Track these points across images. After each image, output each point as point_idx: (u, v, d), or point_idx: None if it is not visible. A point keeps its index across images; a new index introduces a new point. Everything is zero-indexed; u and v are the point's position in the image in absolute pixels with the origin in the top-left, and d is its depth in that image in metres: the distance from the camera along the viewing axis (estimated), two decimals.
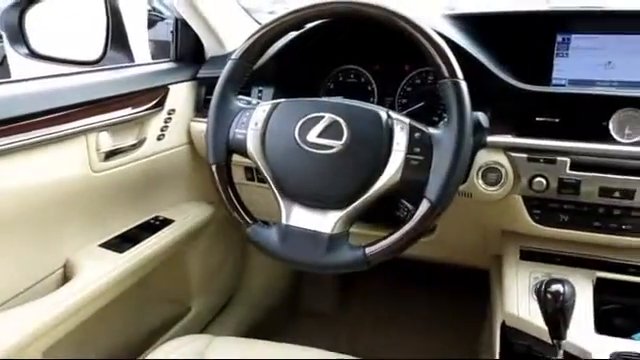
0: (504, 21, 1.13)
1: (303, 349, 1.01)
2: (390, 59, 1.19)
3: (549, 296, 0.81)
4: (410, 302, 1.70)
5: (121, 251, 1.13)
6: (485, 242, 1.18)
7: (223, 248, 1.55)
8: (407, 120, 0.85)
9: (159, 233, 1.22)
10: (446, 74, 0.83)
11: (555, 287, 0.81)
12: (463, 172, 0.82)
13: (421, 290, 1.70)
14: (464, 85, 0.83)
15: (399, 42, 0.88)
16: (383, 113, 0.86)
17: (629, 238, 0.95)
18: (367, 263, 0.85)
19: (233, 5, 1.32)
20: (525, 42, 1.10)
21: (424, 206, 0.82)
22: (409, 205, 0.98)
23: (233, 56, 0.97)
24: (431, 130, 0.84)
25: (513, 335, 0.97)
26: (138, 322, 1.32)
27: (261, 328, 1.63)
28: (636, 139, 0.93)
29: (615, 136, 0.94)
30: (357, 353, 1.00)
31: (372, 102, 1.22)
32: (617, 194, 0.92)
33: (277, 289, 1.78)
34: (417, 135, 0.84)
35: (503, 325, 0.99)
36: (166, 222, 1.26)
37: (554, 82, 1.11)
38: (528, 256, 1.05)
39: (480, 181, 1.00)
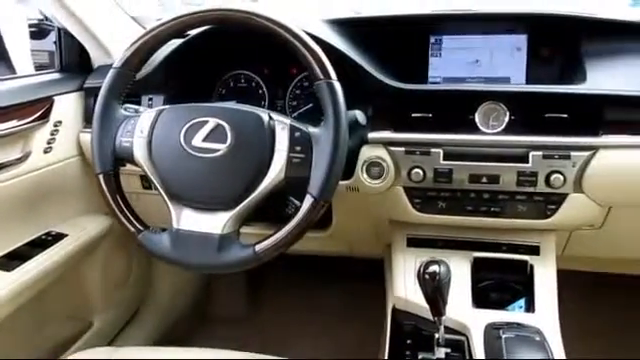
0: (381, 25, 1.20)
1: (208, 351, 1.02)
2: (278, 63, 1.23)
3: (427, 277, 0.87)
4: (320, 298, 1.75)
5: (9, 269, 1.08)
6: (377, 233, 1.25)
7: (125, 259, 1.52)
8: (288, 121, 0.90)
9: (51, 248, 1.18)
10: (320, 76, 0.87)
11: (432, 268, 0.88)
12: (342, 167, 0.87)
13: (329, 285, 1.76)
14: (338, 86, 0.88)
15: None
16: (265, 115, 0.90)
17: (498, 219, 1.05)
18: (258, 260, 0.88)
19: (119, 13, 1.30)
20: (402, 44, 1.18)
21: (308, 201, 0.86)
22: (296, 202, 1.02)
23: (114, 65, 0.97)
24: (311, 129, 0.89)
25: (402, 317, 1.04)
26: (36, 341, 1.27)
27: (171, 337, 1.61)
28: (499, 129, 1.02)
29: (481, 127, 1.03)
30: (268, 354, 1.03)
31: (263, 105, 1.25)
32: (485, 180, 1.02)
33: (186, 296, 1.77)
34: (297, 134, 0.88)
35: (394, 308, 1.06)
36: (59, 237, 1.22)
37: (430, 80, 1.20)
38: (414, 243, 1.13)
39: (365, 175, 1.06)
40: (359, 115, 0.99)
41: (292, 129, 0.89)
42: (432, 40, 1.20)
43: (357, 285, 1.66)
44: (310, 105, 1.22)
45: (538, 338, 0.89)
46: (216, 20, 0.93)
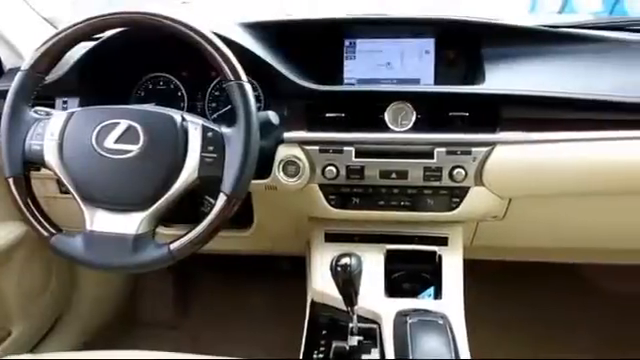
0: (297, 28, 1.24)
1: (127, 352, 1.02)
2: (196, 65, 1.24)
3: (339, 269, 0.92)
4: (248, 297, 1.77)
5: None
6: (298, 230, 1.28)
7: (43, 266, 1.48)
8: (200, 121, 0.92)
9: None
10: (231, 77, 0.90)
11: (343, 261, 0.92)
12: (254, 165, 0.90)
13: (257, 284, 1.78)
14: (248, 87, 0.91)
15: None
16: (177, 116, 0.92)
17: (408, 213, 1.11)
18: (173, 258, 0.90)
19: (30, 14, 1.27)
20: (318, 47, 1.22)
21: (221, 199, 0.89)
22: (212, 200, 1.04)
23: (22, 67, 0.95)
24: (223, 129, 0.91)
25: (320, 309, 1.08)
26: None
27: (96, 344, 1.58)
28: (407, 128, 1.08)
29: (390, 126, 1.09)
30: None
31: (183, 108, 1.26)
32: (394, 175, 1.08)
33: (112, 302, 1.74)
34: (210, 135, 0.91)
35: (312, 302, 1.10)
36: None
37: (346, 82, 1.24)
38: (332, 238, 1.18)
39: (281, 174, 1.09)
40: (272, 115, 1.02)
41: (205, 129, 0.91)
42: (346, 43, 1.24)
43: (284, 282, 1.69)
44: (229, 107, 1.24)
45: (441, 322, 0.95)
46: (125, 23, 0.94)
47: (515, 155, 1.06)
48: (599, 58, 1.19)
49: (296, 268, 1.57)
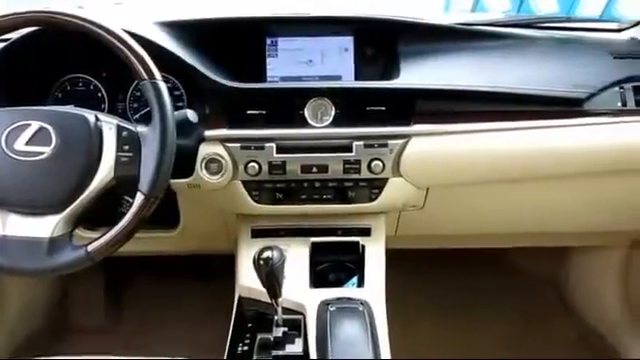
0: (217, 27, 1.24)
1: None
2: (116, 65, 1.22)
3: (261, 262, 0.94)
4: (181, 299, 1.76)
5: None
6: (226, 228, 1.29)
7: None
8: (115, 121, 0.91)
9: None
10: (144, 76, 0.90)
11: (265, 254, 0.94)
12: (171, 164, 0.91)
13: (190, 285, 1.77)
14: (163, 85, 0.91)
15: None
16: (91, 116, 0.91)
17: (330, 206, 1.15)
18: (90, 259, 0.89)
19: None
20: (239, 45, 1.23)
21: (138, 199, 0.89)
22: (131, 200, 1.03)
23: None
24: (139, 128, 0.91)
25: (246, 304, 1.10)
26: None
27: (25, 352, 1.53)
28: (327, 123, 1.12)
29: (310, 121, 1.12)
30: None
31: (103, 109, 1.24)
32: (315, 170, 1.11)
33: (40, 309, 1.69)
34: (125, 134, 0.90)
35: (239, 298, 1.11)
36: None
37: (269, 79, 1.26)
38: (258, 234, 1.19)
39: (204, 172, 1.10)
40: (190, 114, 1.03)
41: (119, 129, 0.91)
42: (268, 42, 1.26)
43: (218, 281, 1.69)
44: None
45: (361, 308, 0.99)
46: (31, 22, 0.92)
47: (429, 146, 1.11)
48: (508, 54, 1.26)
49: (229, 266, 1.58)
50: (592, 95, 1.15)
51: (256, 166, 1.09)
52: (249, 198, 1.13)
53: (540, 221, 1.36)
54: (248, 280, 1.10)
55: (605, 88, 1.16)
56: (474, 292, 1.77)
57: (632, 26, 1.36)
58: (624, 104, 1.16)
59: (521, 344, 1.61)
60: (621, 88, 1.17)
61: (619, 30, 1.38)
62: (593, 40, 1.33)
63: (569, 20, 1.54)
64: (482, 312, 1.71)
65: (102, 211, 1.00)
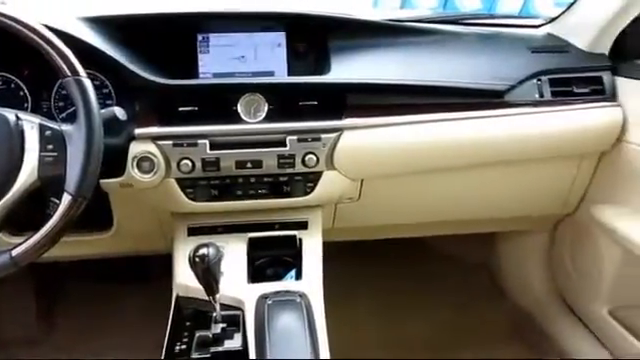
0: (146, 23, 1.22)
1: None
2: (39, 63, 1.17)
3: (197, 260, 0.93)
4: (119, 304, 1.71)
5: None
6: (162, 227, 1.27)
7: None
8: (37, 120, 0.88)
9: None
10: (67, 73, 0.88)
11: (201, 251, 0.93)
12: (99, 163, 0.88)
13: (130, 287, 1.73)
14: (87, 82, 0.89)
15: None
16: (11, 116, 0.87)
17: (266, 200, 1.15)
18: (15, 264, 0.86)
19: None
20: (170, 42, 1.21)
21: (65, 199, 0.86)
22: (58, 201, 1.00)
23: None
24: (63, 127, 0.89)
25: (184, 303, 1.08)
26: None
27: None
28: (260, 118, 1.12)
29: (244, 117, 1.12)
30: None
31: (26, 108, 1.18)
32: (249, 165, 1.11)
33: None
34: (48, 133, 0.87)
35: (177, 297, 1.10)
36: None
37: (201, 76, 1.24)
38: (194, 232, 1.18)
39: (136, 171, 1.08)
40: (118, 111, 1.01)
41: (42, 128, 0.88)
42: (199, 38, 1.25)
43: (156, 283, 1.66)
44: None
45: (299, 300, 1.00)
46: None
47: (361, 139, 1.14)
48: (435, 49, 1.31)
49: (167, 267, 1.55)
50: (512, 87, 1.21)
51: (189, 163, 1.08)
52: (184, 196, 1.12)
53: (469, 208, 1.42)
54: (185, 279, 1.09)
55: (524, 80, 1.22)
56: (410, 280, 1.82)
57: (548, 22, 1.44)
58: (541, 95, 1.23)
59: (456, 328, 1.68)
60: (538, 80, 1.24)
61: (537, 26, 1.46)
62: (513, 35, 1.40)
63: (491, 17, 1.62)
64: (418, 300, 1.77)
65: (28, 214, 0.96)
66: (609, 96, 1.27)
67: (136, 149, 1.07)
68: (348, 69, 1.19)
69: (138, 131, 1.07)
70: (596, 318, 1.45)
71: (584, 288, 1.48)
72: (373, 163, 1.19)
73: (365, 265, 1.78)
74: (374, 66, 1.23)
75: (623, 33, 1.28)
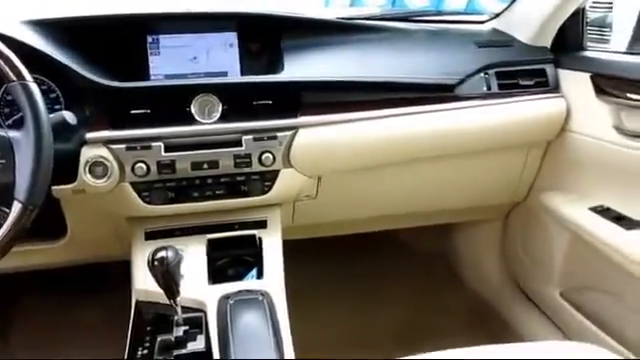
0: (93, 25, 1.19)
1: None
2: None
3: (156, 263, 0.92)
4: (78, 312, 1.67)
5: None
6: (118, 233, 1.25)
7: None
8: None
9: None
10: (12, 77, 0.85)
11: (160, 254, 0.92)
12: (49, 169, 0.86)
13: (88, 296, 1.68)
14: (34, 87, 0.87)
15: None
16: None
17: (224, 201, 1.15)
18: None
19: None
20: (119, 44, 1.19)
21: (16, 208, 0.84)
22: (7, 210, 0.97)
23: None
24: (10, 133, 0.86)
25: (144, 308, 1.07)
26: None
27: None
28: (215, 119, 1.12)
29: (198, 118, 1.11)
30: None
31: None
32: (206, 166, 1.10)
33: None
34: None
35: (136, 302, 1.08)
36: None
37: (153, 78, 1.23)
38: (152, 236, 1.16)
39: (88, 176, 1.06)
40: (68, 116, 0.99)
41: None
42: (149, 40, 1.23)
43: (115, 291, 1.63)
44: None
45: (261, 298, 1.01)
46: None
47: (317, 137, 1.15)
48: (386, 46, 1.33)
49: (126, 274, 1.52)
50: (461, 81, 1.25)
51: (144, 167, 1.07)
52: (139, 200, 1.10)
53: (425, 201, 1.45)
54: (145, 283, 1.07)
55: (472, 74, 1.27)
56: (371, 274, 1.85)
57: (493, 18, 1.49)
58: (489, 88, 1.28)
59: (418, 319, 1.71)
60: (486, 74, 1.29)
61: (482, 22, 1.51)
62: (460, 31, 1.45)
63: (439, 13, 1.66)
64: (380, 293, 1.80)
65: None
66: (552, 88, 1.33)
67: (88, 154, 1.05)
68: (301, 67, 1.20)
69: (89, 135, 1.05)
70: (549, 301, 1.50)
71: (536, 273, 1.54)
72: (329, 160, 1.20)
73: (326, 261, 1.80)
74: (327, 64, 1.25)
75: (563, 27, 1.34)
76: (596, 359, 0.88)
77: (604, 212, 1.25)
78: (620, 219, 1.20)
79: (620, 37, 1.48)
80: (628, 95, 1.16)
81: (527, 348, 0.94)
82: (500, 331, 1.67)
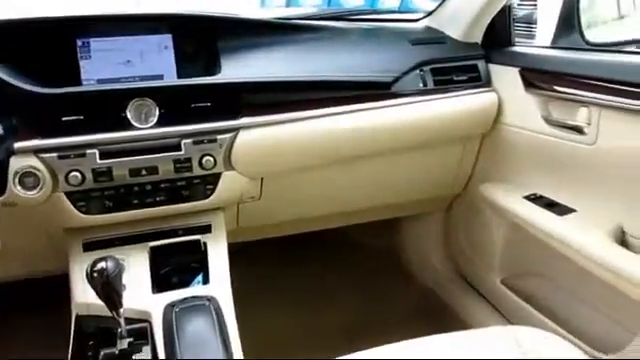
0: (18, 29, 1.14)
1: None
2: None
3: (95, 275, 0.89)
4: (11, 333, 1.58)
5: None
6: (55, 246, 1.20)
7: None
8: None
9: None
10: None
11: (99, 265, 0.89)
12: None
13: (21, 315, 1.61)
14: None
15: None
16: None
17: (166, 207, 1.12)
18: None
19: None
20: (47, 49, 1.14)
21: None
22: None
23: None
24: None
25: (85, 322, 1.03)
26: None
27: None
28: (152, 123, 1.09)
29: (134, 123, 1.08)
30: None
31: None
32: (144, 172, 1.08)
33: None
34: None
35: (77, 317, 1.04)
36: None
37: (84, 83, 1.18)
38: (90, 247, 1.12)
39: (19, 188, 1.01)
40: None
41: None
42: (79, 43, 1.18)
43: (54, 308, 1.56)
44: None
45: (207, 304, 0.99)
46: None
47: (257, 137, 1.15)
48: (323, 45, 1.34)
49: (65, 288, 1.46)
50: (397, 78, 1.28)
51: (79, 175, 1.03)
52: (75, 210, 1.06)
53: (369, 197, 1.48)
54: (85, 297, 1.03)
55: (407, 72, 1.30)
56: (320, 272, 1.86)
57: (426, 16, 1.53)
58: (425, 84, 1.31)
59: (367, 315, 1.73)
60: (421, 71, 1.32)
61: (416, 20, 1.54)
62: (395, 29, 1.48)
63: (374, 12, 1.70)
64: (330, 290, 1.81)
65: None
66: (485, 82, 1.38)
67: (17, 164, 1.00)
68: (239, 68, 1.19)
69: (18, 145, 1.00)
70: (491, 289, 1.56)
71: (478, 262, 1.59)
72: (271, 160, 1.20)
73: (274, 261, 1.80)
74: (264, 64, 1.24)
75: (492, 23, 1.39)
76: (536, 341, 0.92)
77: (537, 200, 1.30)
78: (552, 206, 1.26)
79: (544, 32, 1.56)
80: (554, 87, 1.22)
81: (468, 336, 0.97)
82: (448, 321, 1.71)
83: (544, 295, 1.36)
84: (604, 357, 1.10)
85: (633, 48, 1.36)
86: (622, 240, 1.13)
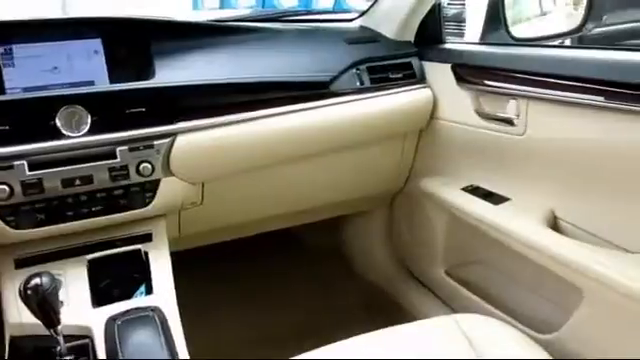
0: None
1: None
2: None
3: (29, 292, 0.84)
4: None
5: None
6: None
7: None
8: None
9: None
10: None
11: (33, 282, 0.85)
12: None
13: None
14: None
15: None
16: None
17: (103, 217, 1.08)
18: None
19: None
20: None
21: None
22: None
23: None
24: None
25: (21, 343, 0.98)
26: None
27: None
28: (84, 131, 1.05)
29: (65, 132, 1.03)
30: None
31: None
32: (78, 182, 1.03)
33: None
34: None
35: (11, 338, 0.99)
36: None
37: (8, 92, 1.12)
38: (23, 263, 1.06)
39: None
40: None
41: None
42: (1, 50, 1.13)
43: None
44: None
45: (151, 314, 0.96)
46: None
47: (195, 141, 1.13)
48: (259, 46, 1.34)
49: None
50: (335, 78, 1.29)
51: (6, 188, 0.98)
52: (4, 225, 1.00)
53: (311, 196, 1.48)
54: (19, 317, 0.98)
55: (344, 71, 1.31)
56: (267, 275, 1.85)
57: (360, 15, 1.55)
58: (362, 83, 1.33)
59: (317, 314, 1.74)
60: (357, 69, 1.34)
61: (350, 20, 1.56)
62: (330, 29, 1.49)
63: (309, 13, 1.70)
64: (278, 292, 1.80)
65: None
66: (419, 79, 1.41)
67: None
68: (173, 72, 1.16)
69: None
70: (436, 280, 1.59)
71: (422, 255, 1.63)
72: (210, 164, 1.18)
73: (219, 266, 1.77)
74: (200, 67, 1.22)
75: (424, 22, 1.43)
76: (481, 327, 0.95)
77: (474, 191, 1.35)
78: (489, 196, 1.31)
79: (473, 30, 1.62)
80: (484, 81, 1.27)
81: (412, 327, 0.99)
82: (395, 315, 1.73)
83: (485, 282, 1.40)
84: (541, 336, 1.15)
85: (555, 42, 1.43)
86: (554, 224, 1.18)
